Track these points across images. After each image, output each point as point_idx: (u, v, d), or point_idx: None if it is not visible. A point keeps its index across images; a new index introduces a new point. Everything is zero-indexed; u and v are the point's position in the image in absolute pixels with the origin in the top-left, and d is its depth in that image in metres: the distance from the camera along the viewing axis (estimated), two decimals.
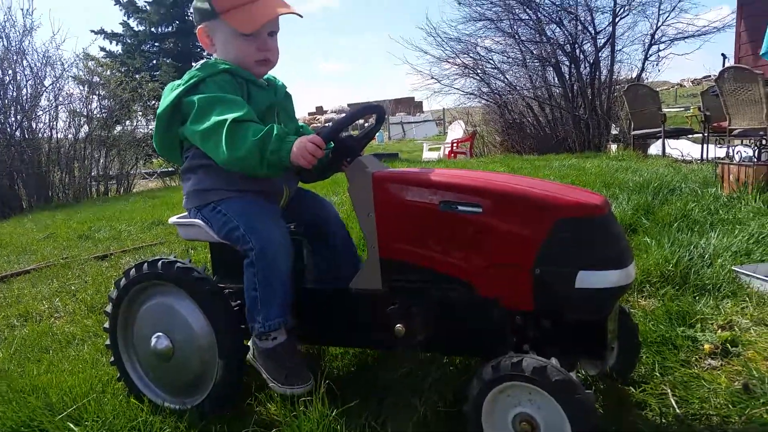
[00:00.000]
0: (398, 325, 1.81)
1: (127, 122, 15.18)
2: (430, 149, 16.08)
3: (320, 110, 58.73)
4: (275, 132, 1.82)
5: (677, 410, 1.85)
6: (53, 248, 5.89)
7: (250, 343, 2.03)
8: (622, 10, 12.64)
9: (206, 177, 2.04)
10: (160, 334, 2.04)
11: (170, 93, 2.01)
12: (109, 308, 2.16)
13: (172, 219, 2.20)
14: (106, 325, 2.18)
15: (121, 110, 14.30)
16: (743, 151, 4.74)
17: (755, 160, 4.55)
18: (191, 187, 2.09)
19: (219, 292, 1.99)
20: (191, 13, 2.18)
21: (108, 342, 2.19)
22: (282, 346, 1.96)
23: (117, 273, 4.43)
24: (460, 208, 1.78)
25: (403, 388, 1.98)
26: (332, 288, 2.10)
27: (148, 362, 2.12)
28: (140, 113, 15.87)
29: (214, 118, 1.87)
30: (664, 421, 1.82)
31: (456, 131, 16.47)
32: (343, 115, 1.96)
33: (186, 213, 2.18)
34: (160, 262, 2.02)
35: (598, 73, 13.02)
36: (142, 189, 15.69)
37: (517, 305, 1.76)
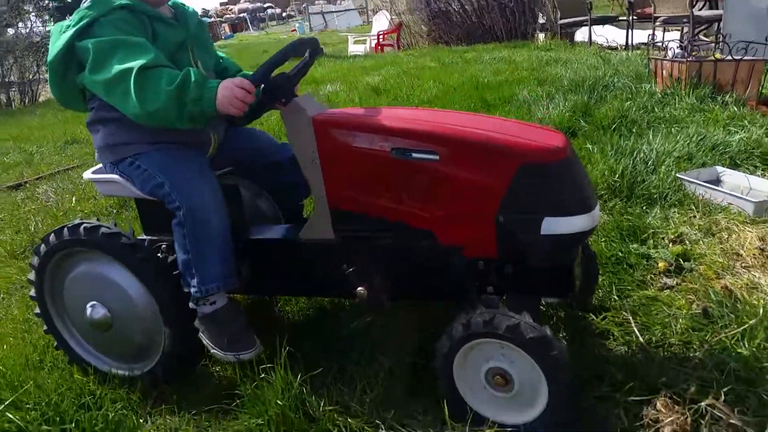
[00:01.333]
0: (360, 288, 1.70)
1: (20, 25, 13.83)
2: (356, 42, 15.46)
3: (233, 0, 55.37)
4: (193, 78, 1.58)
5: (641, 338, 1.85)
6: None
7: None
8: None
9: (118, 130, 1.79)
10: (95, 303, 1.87)
11: (59, 37, 1.71)
12: (32, 276, 1.95)
13: (87, 174, 1.96)
14: (33, 293, 1.98)
15: (11, 12, 12.94)
16: (674, 46, 4.69)
17: (687, 55, 4.52)
18: (102, 141, 1.83)
19: (152, 257, 1.81)
20: None
21: (38, 310, 2.00)
22: (222, 310, 1.81)
23: (35, 205, 4.13)
24: (414, 155, 1.63)
25: (364, 340, 1.91)
26: (282, 239, 1.95)
27: (86, 332, 1.95)
28: (33, 14, 14.44)
29: (117, 67, 1.60)
30: (628, 350, 1.83)
31: (381, 22, 15.83)
32: (273, 54, 1.72)
33: (101, 166, 1.94)
34: (82, 227, 1.80)
35: None
36: (49, 96, 14.56)
37: (481, 252, 1.67)
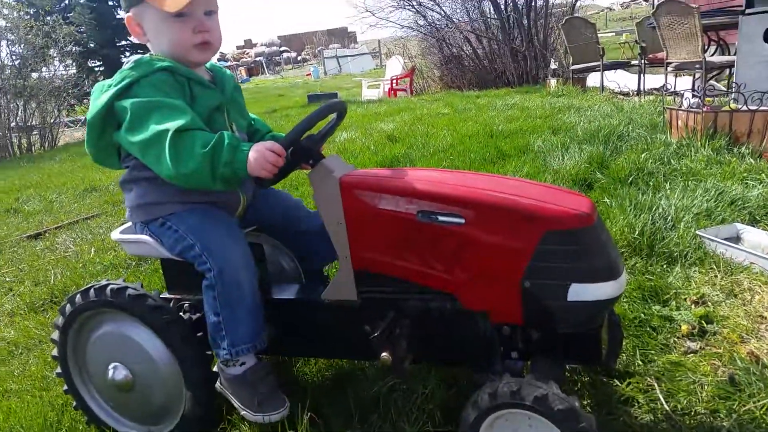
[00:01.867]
0: (384, 354, 1.69)
1: (44, 69, 14.17)
2: (370, 86, 15.70)
3: (249, 43, 56.59)
4: (226, 141, 1.61)
5: (666, 406, 1.82)
6: None
7: (215, 369, 1.88)
8: None
9: (151, 189, 1.82)
10: (117, 364, 1.87)
11: (100, 95, 1.75)
12: (55, 335, 1.96)
13: (115, 234, 1.98)
14: (55, 352, 1.99)
15: (36, 57, 13.28)
16: (689, 96, 4.73)
17: (701, 104, 4.55)
18: (135, 200, 1.86)
19: (177, 320, 1.82)
20: None
21: (59, 370, 2.00)
22: (251, 371, 1.81)
23: (54, 255, 4.16)
24: (440, 218, 1.64)
25: (387, 406, 1.89)
26: (304, 299, 1.95)
27: (107, 392, 1.95)
28: (57, 59, 14.81)
29: (153, 127, 1.64)
30: (654, 418, 1.80)
31: (394, 67, 16.11)
32: (303, 118, 1.75)
33: (130, 224, 1.96)
34: (108, 288, 1.82)
35: (533, 3, 12.84)
36: (69, 140, 14.85)
37: (506, 318, 1.67)
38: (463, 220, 1.62)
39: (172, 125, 1.61)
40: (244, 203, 1.96)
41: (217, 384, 1.86)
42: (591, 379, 2.00)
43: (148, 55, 1.82)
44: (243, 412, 1.80)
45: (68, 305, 1.90)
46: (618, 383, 1.96)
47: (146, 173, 1.79)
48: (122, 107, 1.69)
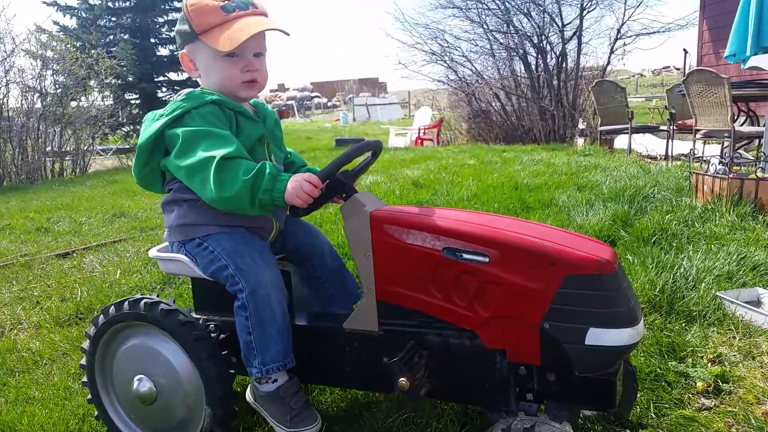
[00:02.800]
0: (402, 379, 1.73)
1: (83, 98, 14.65)
2: (397, 134, 15.96)
3: (282, 87, 57.90)
4: (267, 170, 1.72)
5: None
6: (9, 242, 5.63)
7: (249, 389, 1.94)
8: (590, 3, 12.70)
9: (190, 211, 1.93)
10: (142, 376, 1.92)
11: (151, 124, 1.87)
12: (86, 345, 2.03)
13: (153, 252, 2.07)
14: (83, 361, 2.05)
15: (77, 87, 13.76)
16: (716, 162, 4.78)
17: (728, 171, 4.60)
18: (174, 221, 1.97)
19: (206, 337, 1.88)
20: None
21: (85, 379, 2.06)
22: (283, 388, 1.88)
23: (81, 274, 4.26)
24: (464, 256, 1.71)
25: None
26: (325, 327, 2.01)
27: (130, 403, 2.00)
28: (96, 90, 15.33)
29: (201, 154, 1.75)
30: None
31: (423, 117, 16.40)
32: (341, 154, 1.85)
33: (166, 244, 2.06)
34: (142, 303, 1.89)
35: (564, 65, 13.09)
36: (99, 168, 15.23)
37: (523, 357, 1.70)
38: (487, 259, 1.68)
39: (219, 153, 1.73)
40: (276, 229, 2.05)
41: (251, 401, 1.93)
42: (603, 428, 2.01)
43: (198, 88, 1.94)
44: (277, 429, 1.86)
45: (101, 316, 1.97)
46: None
47: (187, 195, 1.89)
48: (173, 135, 1.81)
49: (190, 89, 1.93)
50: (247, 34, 1.81)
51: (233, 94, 1.94)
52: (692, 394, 2.19)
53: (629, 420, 2.04)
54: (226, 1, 1.84)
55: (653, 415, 2.06)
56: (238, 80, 1.91)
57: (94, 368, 2.03)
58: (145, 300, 1.90)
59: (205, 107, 1.84)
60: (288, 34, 1.93)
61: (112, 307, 1.95)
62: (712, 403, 2.13)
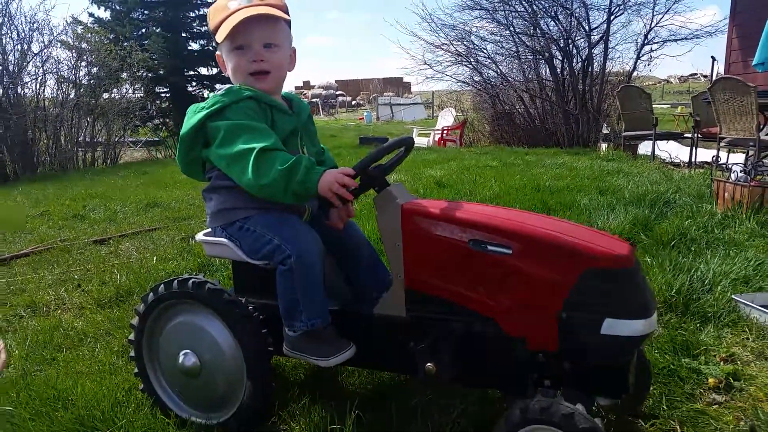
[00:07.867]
0: (429, 365, 1.87)
1: (115, 90, 14.99)
2: (420, 134, 16.08)
3: (307, 85, 58.25)
4: (303, 163, 1.86)
5: None
6: (48, 228, 5.87)
7: (284, 344, 2.05)
8: (617, 8, 12.70)
9: (230, 197, 2.07)
10: (188, 351, 2.08)
11: (193, 115, 2.02)
12: (135, 321, 2.19)
13: (199, 236, 2.22)
14: (131, 337, 2.22)
15: (110, 78, 14.09)
16: (738, 169, 4.84)
17: (750, 179, 4.66)
18: (215, 207, 2.11)
19: (249, 315, 2.03)
20: None
21: (132, 354, 2.23)
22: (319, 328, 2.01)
23: (118, 260, 4.46)
24: (489, 248, 1.83)
25: (425, 418, 2.05)
26: (354, 311, 2.14)
27: (174, 377, 2.16)
28: (128, 83, 15.66)
29: (241, 146, 1.89)
30: None
31: (446, 118, 16.49)
32: (375, 149, 1.99)
33: (210, 230, 2.20)
34: (190, 282, 2.05)
35: (590, 69, 13.09)
36: (128, 160, 15.57)
37: (542, 345, 1.82)
38: (510, 251, 1.80)
39: (258, 145, 1.88)
40: (309, 213, 2.19)
41: (289, 351, 2.04)
42: (617, 416, 2.13)
43: (237, 84, 2.08)
44: (320, 363, 1.98)
45: (151, 294, 2.13)
46: (642, 423, 2.09)
47: (226, 182, 2.04)
48: (215, 127, 1.96)
49: (230, 85, 2.08)
50: (237, 19, 1.94)
51: (271, 96, 2.07)
52: (704, 389, 2.30)
53: (642, 411, 2.15)
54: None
55: (665, 408, 2.17)
56: (246, 70, 2.04)
57: (141, 343, 2.19)
58: (192, 279, 2.05)
59: (244, 102, 1.99)
60: (288, 19, 2.06)
61: (162, 285, 2.10)
62: (723, 399, 2.23)
